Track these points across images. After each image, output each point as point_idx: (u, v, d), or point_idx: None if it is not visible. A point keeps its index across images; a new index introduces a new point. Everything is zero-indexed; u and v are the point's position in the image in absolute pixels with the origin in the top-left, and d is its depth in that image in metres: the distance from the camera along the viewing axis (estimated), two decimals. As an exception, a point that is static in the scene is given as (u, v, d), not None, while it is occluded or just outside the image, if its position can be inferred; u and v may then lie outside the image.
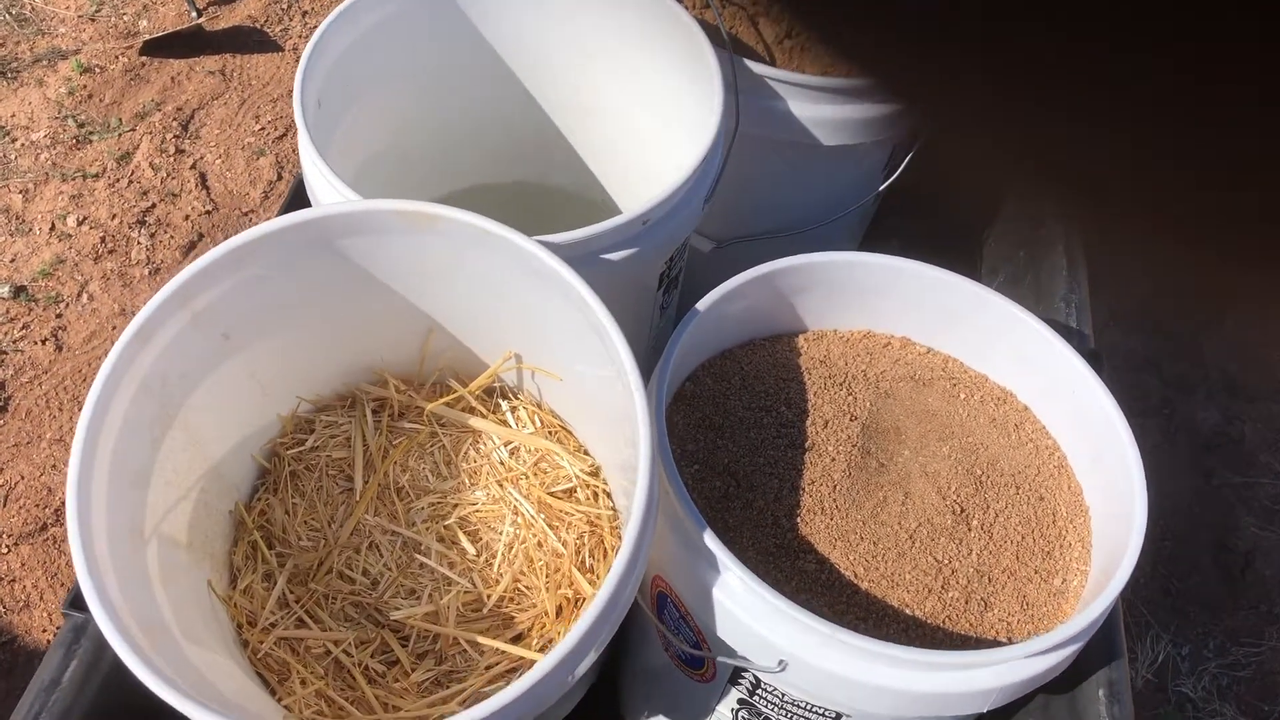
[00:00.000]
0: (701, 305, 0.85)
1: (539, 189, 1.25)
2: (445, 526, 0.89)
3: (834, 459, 0.83)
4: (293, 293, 0.80)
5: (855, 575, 0.78)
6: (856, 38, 0.18)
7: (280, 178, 2.01)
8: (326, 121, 0.96)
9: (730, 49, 1.02)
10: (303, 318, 0.83)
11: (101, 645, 0.80)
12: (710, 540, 0.71)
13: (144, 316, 0.69)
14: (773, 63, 1.08)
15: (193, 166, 2.01)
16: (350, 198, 0.82)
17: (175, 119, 2.07)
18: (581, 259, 0.86)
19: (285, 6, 2.31)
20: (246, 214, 1.96)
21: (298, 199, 0.99)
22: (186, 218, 1.93)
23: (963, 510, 0.81)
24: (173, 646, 0.71)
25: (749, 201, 1.18)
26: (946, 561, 0.79)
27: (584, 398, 0.87)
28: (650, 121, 1.07)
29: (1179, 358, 2.06)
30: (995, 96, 0.17)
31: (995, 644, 0.77)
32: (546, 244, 0.82)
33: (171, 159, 2.01)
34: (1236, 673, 1.64)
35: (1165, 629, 1.67)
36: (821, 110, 1.04)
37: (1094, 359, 0.98)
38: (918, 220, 1.50)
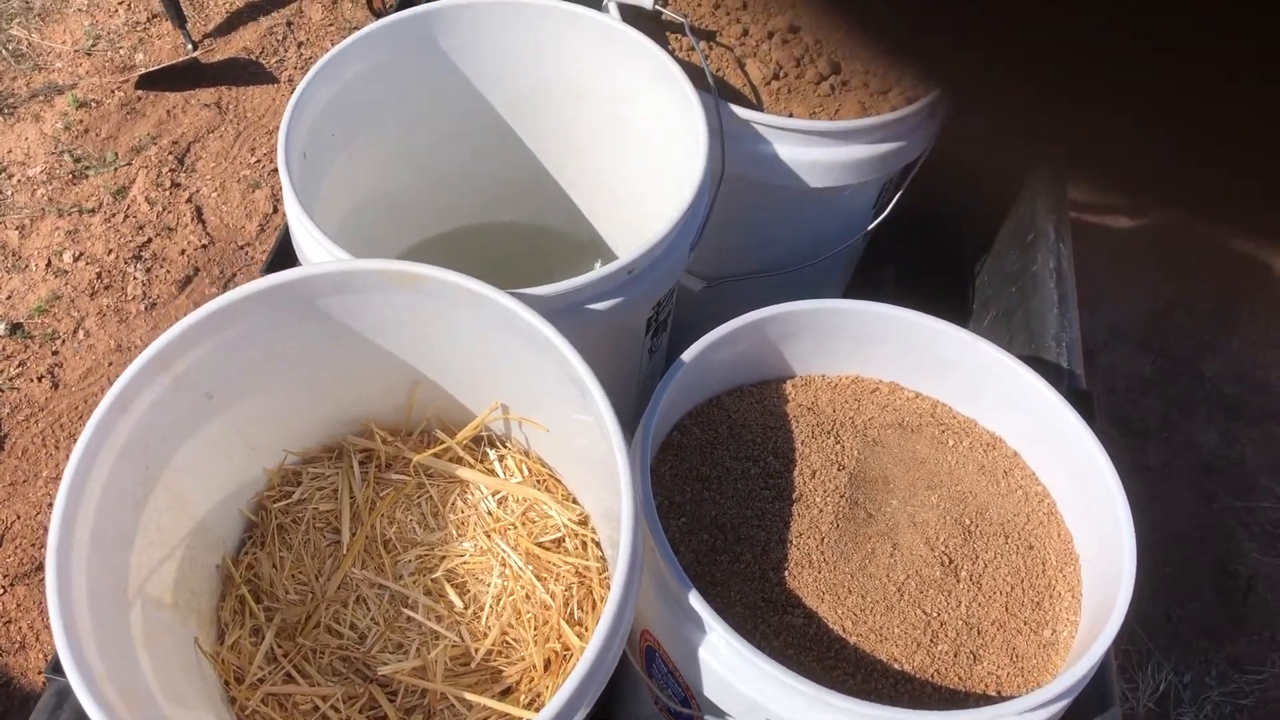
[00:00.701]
0: (688, 355, 0.85)
1: (532, 229, 1.25)
2: (433, 579, 0.88)
3: (822, 510, 0.82)
4: (276, 351, 0.80)
5: (844, 629, 0.77)
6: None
7: (276, 210, 2.01)
8: (314, 171, 0.96)
9: (716, 93, 1.02)
10: (287, 374, 0.83)
11: (82, 713, 0.79)
12: (695, 600, 0.71)
13: (122, 383, 0.68)
14: (760, 106, 1.08)
15: (189, 200, 2.02)
16: (335, 254, 0.82)
17: (171, 152, 2.08)
18: (567, 310, 0.86)
19: (280, 38, 2.32)
20: (242, 247, 1.97)
21: (285, 248, 0.99)
22: (183, 252, 1.94)
23: (951, 561, 0.81)
24: (153, 710, 0.70)
25: (738, 242, 1.18)
26: (935, 614, 0.78)
27: (570, 447, 0.87)
28: (640, 164, 1.07)
29: (1180, 379, 2.06)
30: (1048, 90, 0.17)
31: (985, 698, 0.76)
32: (531, 297, 0.82)
33: (167, 193, 2.02)
34: (1239, 701, 1.63)
35: (1167, 657, 1.66)
36: (809, 153, 1.04)
37: (1084, 399, 0.98)
38: (912, 251, 1.50)
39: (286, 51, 2.30)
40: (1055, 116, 0.18)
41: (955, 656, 0.77)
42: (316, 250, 0.84)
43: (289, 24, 2.35)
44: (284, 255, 0.98)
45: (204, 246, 1.95)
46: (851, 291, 1.46)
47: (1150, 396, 2.02)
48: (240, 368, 0.79)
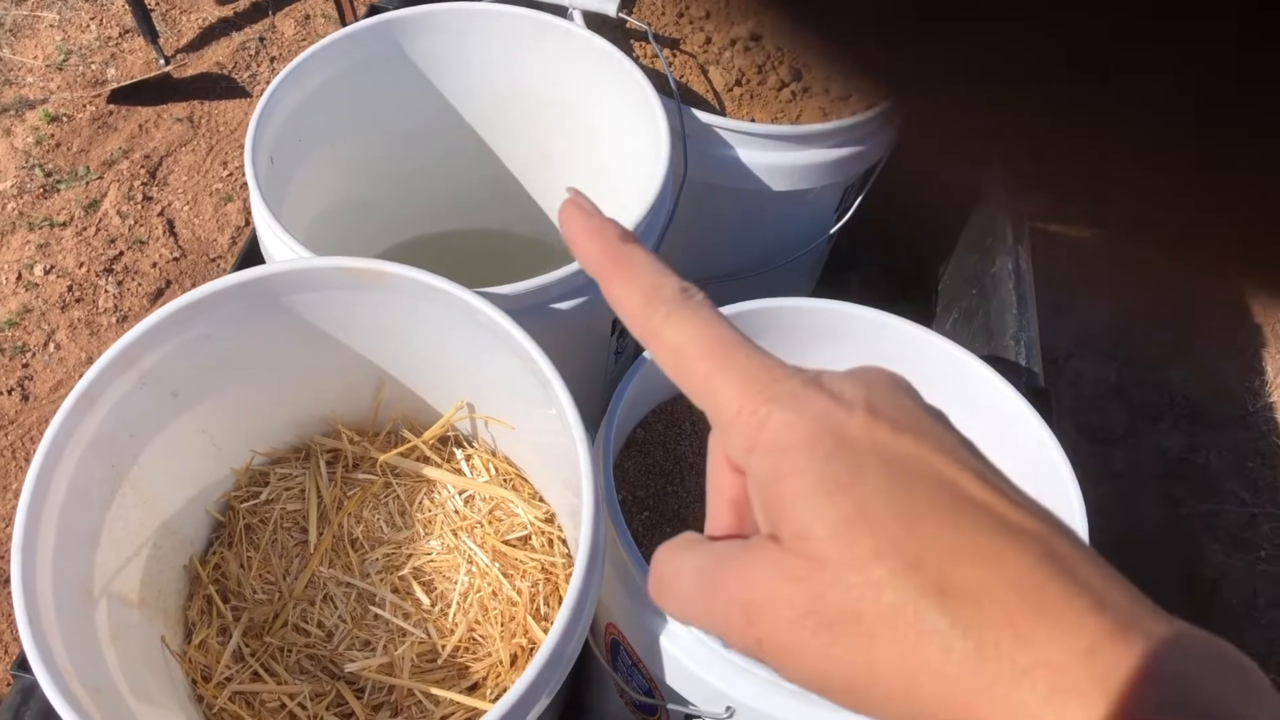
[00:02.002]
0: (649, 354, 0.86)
1: (500, 235, 1.27)
2: (400, 577, 0.89)
3: (782, 503, 0.84)
4: (242, 349, 0.80)
5: (804, 619, 0.79)
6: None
7: (248, 223, 2.02)
8: (281, 175, 0.97)
9: (678, 98, 1.03)
10: (253, 373, 0.84)
11: (48, 709, 0.79)
12: (656, 589, 0.72)
13: (88, 380, 0.69)
14: (722, 111, 1.10)
15: (160, 213, 2.02)
16: (300, 253, 0.83)
17: (143, 166, 2.08)
18: (531, 309, 0.87)
19: (253, 52, 2.33)
20: (214, 259, 1.97)
21: (253, 251, 0.99)
22: (154, 265, 1.94)
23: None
24: (120, 707, 0.71)
25: (705, 245, 1.20)
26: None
27: (536, 445, 0.88)
28: (604, 169, 1.09)
29: (1144, 386, 2.08)
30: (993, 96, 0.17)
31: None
32: (494, 295, 0.83)
33: (139, 206, 2.02)
34: (1205, 700, 1.65)
35: (1134, 658, 1.68)
36: (770, 157, 1.06)
37: (1042, 396, 1.00)
38: (878, 255, 1.53)
39: (259, 66, 2.31)
40: (1007, 131, 0.18)
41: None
42: (282, 250, 0.85)
43: (262, 39, 2.36)
44: (252, 258, 0.99)
45: (176, 259, 1.95)
46: (819, 294, 1.47)
47: (1115, 403, 2.05)
48: (206, 366, 0.79)
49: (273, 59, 2.33)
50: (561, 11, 1.12)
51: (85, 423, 0.70)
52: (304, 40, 2.37)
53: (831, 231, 1.22)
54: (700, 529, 0.84)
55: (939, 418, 0.28)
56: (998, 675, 0.22)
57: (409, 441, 0.92)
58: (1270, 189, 0.15)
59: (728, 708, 0.72)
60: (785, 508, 0.25)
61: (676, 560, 0.28)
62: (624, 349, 1.09)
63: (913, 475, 0.25)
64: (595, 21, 1.13)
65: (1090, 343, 2.13)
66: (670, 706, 0.78)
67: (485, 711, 0.81)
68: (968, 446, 0.27)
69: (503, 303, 0.81)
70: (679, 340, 0.28)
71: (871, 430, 0.25)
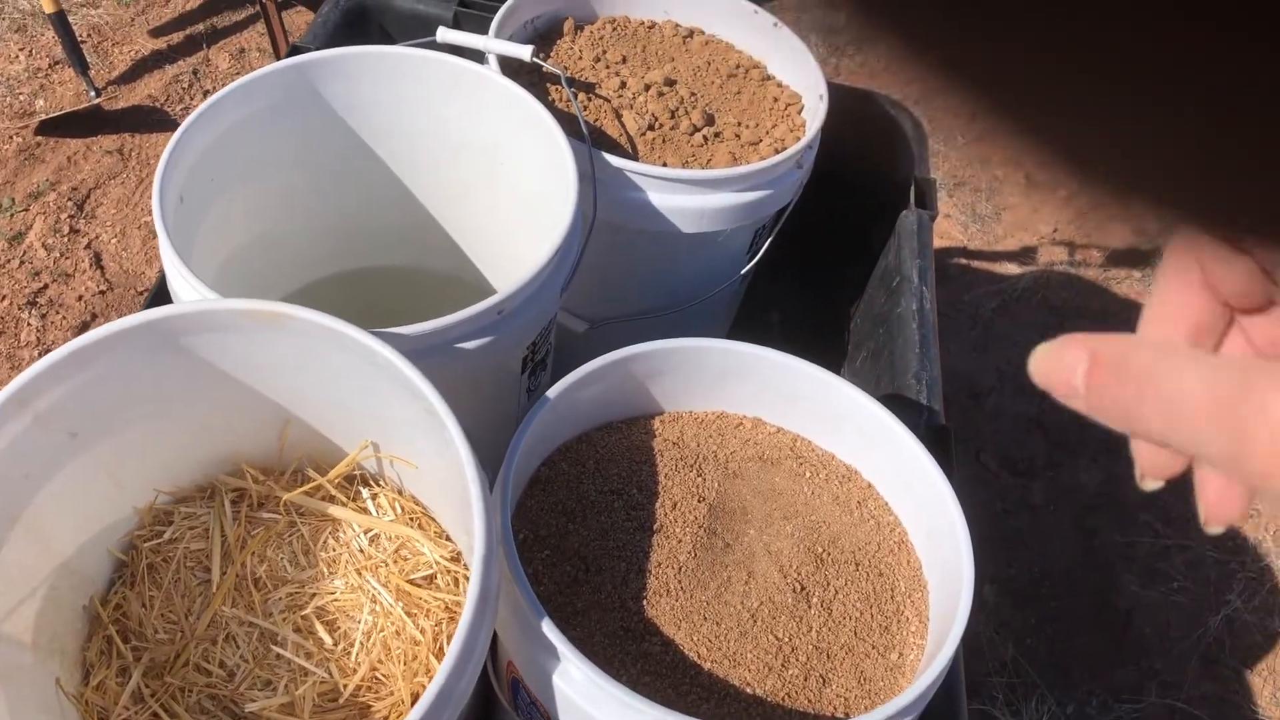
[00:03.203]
0: (552, 392, 0.88)
1: (418, 273, 1.28)
2: (303, 616, 0.89)
3: (680, 540, 0.85)
4: (142, 390, 0.81)
5: (699, 656, 0.80)
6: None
7: (176, 256, 2.01)
8: (192, 214, 0.98)
9: (589, 141, 1.06)
10: (155, 413, 0.84)
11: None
12: (548, 628, 0.73)
13: (-24, 421, 0.69)
14: (635, 155, 1.12)
15: (87, 246, 2.00)
16: (205, 294, 0.84)
17: (70, 198, 2.06)
18: (437, 349, 0.88)
19: (186, 85, 2.33)
20: (142, 293, 1.96)
21: (164, 290, 1.00)
22: (80, 298, 1.92)
23: (803, 588, 0.84)
24: (7, 751, 0.70)
25: (618, 285, 1.22)
26: (787, 639, 0.81)
27: (439, 484, 0.89)
28: (515, 210, 1.11)
29: (1064, 420, 2.14)
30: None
31: (834, 719, 0.79)
32: (395, 336, 0.84)
33: (65, 239, 2.00)
34: (1118, 729, 1.69)
35: (1050, 689, 1.71)
36: (680, 200, 1.09)
37: (941, 435, 1.03)
38: (795, 295, 1.56)
39: (193, 99, 2.31)
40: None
41: (805, 680, 0.80)
42: (187, 290, 0.85)
43: (195, 72, 2.36)
44: (163, 297, 0.99)
45: (102, 292, 1.94)
46: (737, 334, 1.50)
47: (1036, 436, 2.10)
48: (105, 406, 0.79)
49: (206, 92, 2.32)
50: (479, 56, 1.14)
51: (-26, 464, 0.70)
52: (238, 73, 2.37)
53: (743, 272, 1.25)
54: (600, 566, 0.85)
55: None
56: None
57: (314, 480, 0.93)
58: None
59: (619, 744, 0.73)
60: None
61: (1167, 362, 0.25)
62: (536, 386, 1.11)
63: None
64: (512, 66, 1.15)
65: (1012, 377, 2.18)
66: (566, 744, 0.79)
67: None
68: None
69: (404, 343, 0.82)
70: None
71: None
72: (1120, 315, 2.36)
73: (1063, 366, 0.27)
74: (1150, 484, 0.33)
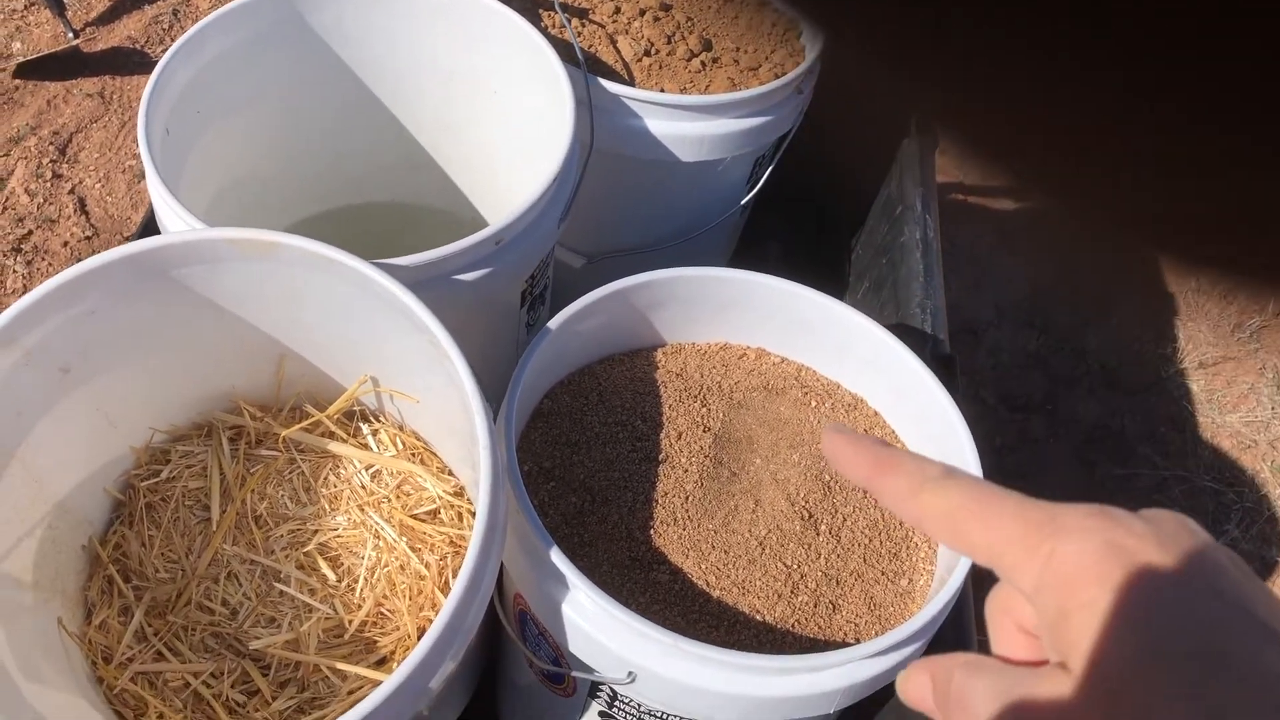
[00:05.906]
0: (553, 324, 0.86)
1: (413, 208, 1.25)
2: (305, 553, 0.88)
3: (686, 470, 0.84)
4: (133, 324, 0.79)
5: (707, 584, 0.79)
6: None
7: (163, 201, 1.97)
8: (178, 148, 0.95)
9: (585, 68, 1.03)
10: (147, 348, 0.82)
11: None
12: (556, 557, 0.72)
13: (-35, 356, 0.67)
14: (631, 82, 1.09)
15: (71, 191, 1.97)
16: (195, 225, 0.82)
17: (52, 143, 2.02)
18: (434, 280, 0.86)
19: (166, 26, 2.27)
20: (128, 238, 1.92)
21: (152, 226, 0.97)
22: (65, 244, 1.89)
23: (811, 515, 0.83)
24: (10, 692, 0.69)
25: (615, 217, 1.20)
26: (795, 566, 0.81)
27: (441, 418, 0.88)
28: (512, 140, 1.08)
29: (1062, 354, 2.13)
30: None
31: (844, 645, 0.79)
32: (394, 267, 0.82)
33: (49, 184, 1.96)
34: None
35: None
36: (679, 128, 1.06)
37: (947, 362, 1.01)
38: (795, 226, 1.54)
39: (173, 40, 2.25)
40: (924, 92, 0.17)
41: (815, 607, 0.80)
42: (176, 222, 0.83)
43: (175, 12, 2.30)
44: (151, 233, 0.97)
45: (88, 238, 1.91)
46: (737, 262, 1.48)
47: (1035, 372, 2.10)
48: (96, 341, 0.78)
49: (187, 32, 2.27)
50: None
51: (-36, 400, 0.68)
52: (220, 13, 2.32)
53: (743, 202, 1.23)
54: (606, 497, 0.84)
55: (1234, 562, 0.27)
56: None
57: (313, 416, 0.91)
58: (1186, 155, 0.15)
59: (629, 673, 0.73)
60: (1077, 640, 0.25)
61: (970, 680, 0.28)
62: (535, 320, 1.09)
63: (1210, 621, 0.24)
64: (502, -9, 1.12)
65: (1010, 313, 2.17)
66: (575, 674, 0.78)
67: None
68: (1264, 595, 0.27)
69: (402, 274, 0.80)
70: (950, 505, 0.29)
71: (1161, 563, 0.25)
72: (1119, 248, 2.34)
73: (917, 687, 0.31)
74: None
